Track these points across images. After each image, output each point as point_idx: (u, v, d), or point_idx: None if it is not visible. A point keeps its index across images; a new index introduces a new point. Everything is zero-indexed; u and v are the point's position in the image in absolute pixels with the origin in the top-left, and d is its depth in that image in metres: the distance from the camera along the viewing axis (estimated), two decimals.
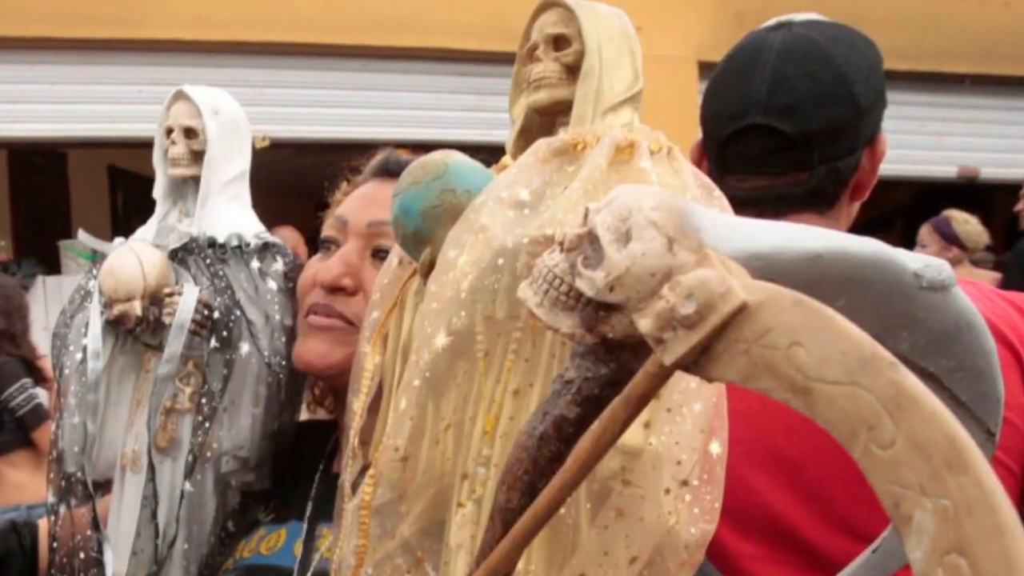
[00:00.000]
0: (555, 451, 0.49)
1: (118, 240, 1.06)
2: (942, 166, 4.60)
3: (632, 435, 0.55)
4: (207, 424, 0.97)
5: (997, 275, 3.72)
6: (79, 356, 0.99)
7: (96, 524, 0.98)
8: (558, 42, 0.72)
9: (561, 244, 0.48)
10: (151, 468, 0.96)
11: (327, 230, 1.05)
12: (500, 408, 0.61)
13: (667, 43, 3.94)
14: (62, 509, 0.99)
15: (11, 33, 3.69)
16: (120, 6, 3.76)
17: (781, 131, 0.94)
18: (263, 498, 1.07)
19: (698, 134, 1.05)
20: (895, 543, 0.55)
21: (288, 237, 3.26)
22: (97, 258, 1.07)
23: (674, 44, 4.01)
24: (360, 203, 1.03)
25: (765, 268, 0.44)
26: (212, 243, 1.02)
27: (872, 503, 0.35)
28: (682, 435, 0.57)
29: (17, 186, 5.04)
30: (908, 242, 3.84)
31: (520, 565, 0.55)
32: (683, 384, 0.57)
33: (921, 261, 0.47)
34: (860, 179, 0.99)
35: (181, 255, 1.02)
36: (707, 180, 0.67)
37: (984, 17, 4.46)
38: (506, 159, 0.74)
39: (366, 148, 1.15)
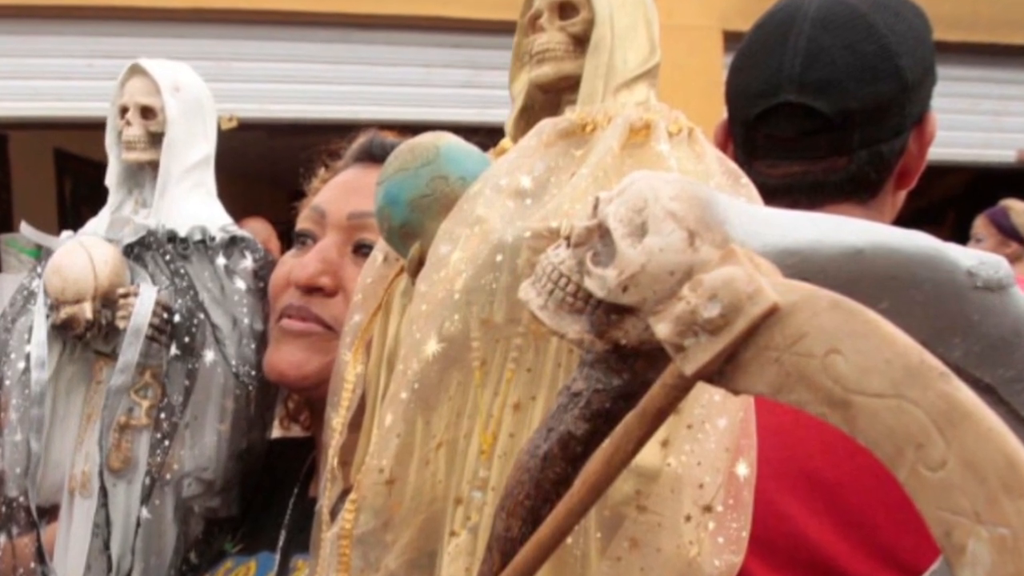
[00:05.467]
0: (561, 473, 0.49)
1: (66, 234, 1.06)
2: (999, 150, 4.59)
3: (648, 455, 0.55)
4: (167, 442, 0.97)
5: None
6: (22, 365, 0.99)
7: (41, 555, 0.98)
8: (564, 9, 0.72)
9: (567, 238, 0.48)
10: (103, 492, 0.95)
11: (303, 222, 1.05)
12: (498, 424, 0.62)
13: (688, 10, 3.94)
14: (2, 538, 0.99)
15: None
16: None
17: (817, 110, 0.94)
18: (230, 526, 1.07)
19: (723, 113, 1.05)
20: None
21: (258, 230, 3.25)
22: (42, 254, 1.07)
23: (696, 12, 4.01)
24: (340, 192, 1.03)
25: (799, 265, 0.44)
26: (172, 237, 1.02)
27: (920, 531, 0.35)
28: (705, 455, 0.57)
29: None
30: (961, 236, 3.84)
31: None
32: (706, 397, 0.57)
33: (975, 258, 0.47)
34: (906, 164, 0.99)
35: (137, 251, 1.02)
36: (733, 166, 0.67)
37: None
38: (505, 142, 0.74)
39: (347, 130, 1.15)
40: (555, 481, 0.49)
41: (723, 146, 1.03)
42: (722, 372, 0.40)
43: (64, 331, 0.99)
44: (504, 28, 0.86)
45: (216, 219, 1.06)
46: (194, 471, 1.00)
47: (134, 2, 3.79)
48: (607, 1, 0.70)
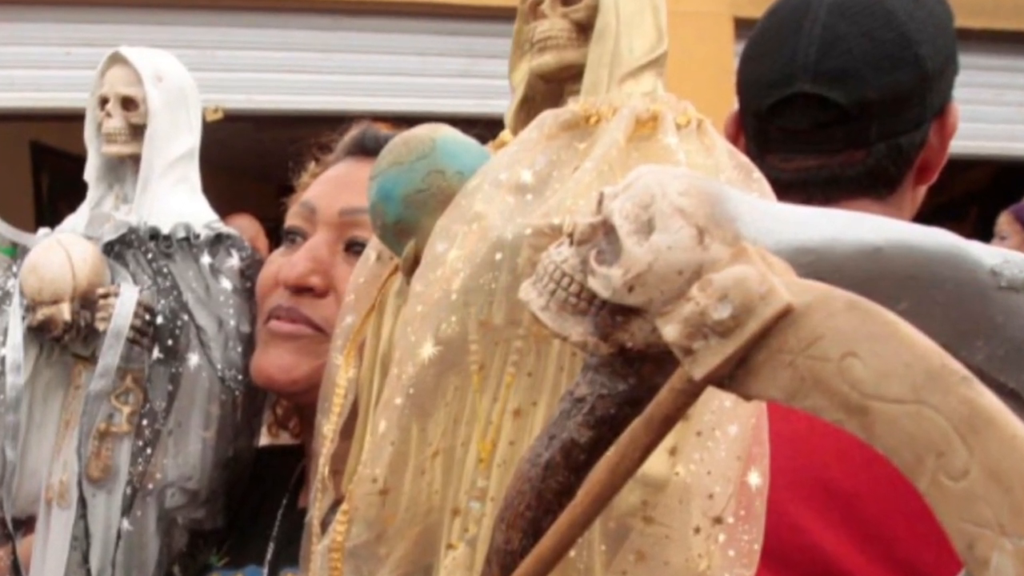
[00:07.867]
0: (563, 482, 0.49)
1: (43, 231, 1.06)
2: None
3: (655, 463, 0.55)
4: (149, 450, 0.97)
5: None
6: None
7: (16, 569, 0.98)
8: None
9: (571, 236, 0.48)
10: (82, 503, 0.95)
11: (292, 219, 1.05)
12: (498, 431, 0.62)
13: None
14: None
15: None
16: None
17: (833, 101, 0.94)
18: (216, 538, 1.07)
19: (734, 104, 1.05)
20: None
21: (245, 227, 3.25)
22: (18, 253, 1.07)
23: None
24: (331, 187, 1.03)
25: (814, 264, 0.44)
26: (155, 234, 1.02)
27: (941, 543, 0.35)
28: (715, 463, 0.57)
29: None
30: (984, 233, 3.84)
31: None
32: (716, 403, 0.57)
33: (999, 256, 0.47)
34: (927, 158, 0.99)
35: (118, 249, 1.02)
36: (744, 159, 0.67)
37: None
38: (505, 135, 0.74)
39: (338, 121, 1.15)
40: (557, 491, 0.49)
41: (734, 139, 1.03)
42: (733, 376, 0.40)
43: (41, 333, 0.99)
44: (504, 14, 0.86)
45: (201, 215, 1.06)
46: (178, 480, 1.00)
47: None
48: None
